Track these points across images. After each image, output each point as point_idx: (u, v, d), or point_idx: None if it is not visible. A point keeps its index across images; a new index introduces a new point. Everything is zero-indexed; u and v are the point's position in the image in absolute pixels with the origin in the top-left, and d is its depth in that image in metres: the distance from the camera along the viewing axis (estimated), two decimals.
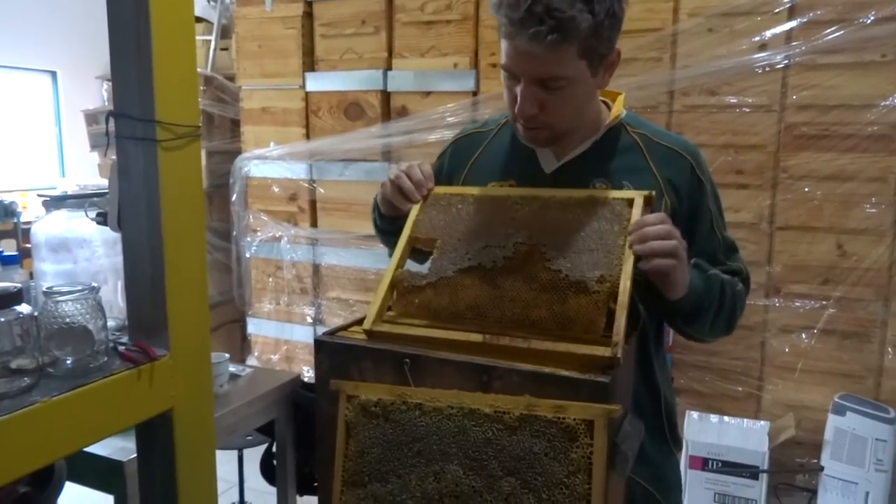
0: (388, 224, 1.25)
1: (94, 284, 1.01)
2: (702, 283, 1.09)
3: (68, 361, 0.97)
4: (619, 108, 1.19)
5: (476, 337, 0.94)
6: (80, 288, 0.99)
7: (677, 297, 1.05)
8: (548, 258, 0.99)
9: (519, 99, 1.07)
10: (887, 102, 2.43)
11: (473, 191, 1.16)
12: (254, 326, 3.65)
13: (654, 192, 1.07)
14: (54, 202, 1.50)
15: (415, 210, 1.15)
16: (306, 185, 3.39)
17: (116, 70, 1.03)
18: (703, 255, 1.16)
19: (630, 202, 1.05)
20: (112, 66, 1.03)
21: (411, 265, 1.13)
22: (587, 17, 0.98)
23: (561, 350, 0.89)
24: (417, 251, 1.14)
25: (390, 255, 1.28)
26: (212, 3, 4.27)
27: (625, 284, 0.94)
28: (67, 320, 0.97)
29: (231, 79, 3.75)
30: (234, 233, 3.63)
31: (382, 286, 1.05)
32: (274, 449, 1.93)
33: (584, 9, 0.98)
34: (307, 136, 3.36)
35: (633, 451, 0.89)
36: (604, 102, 1.21)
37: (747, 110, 2.59)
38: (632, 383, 1.06)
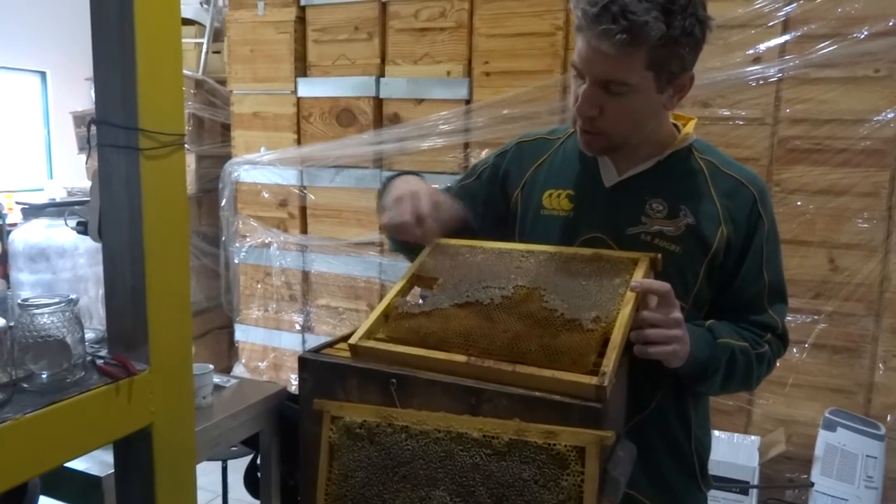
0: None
1: (72, 296, 0.98)
2: (707, 351, 1.07)
3: (44, 376, 0.94)
4: (688, 132, 1.18)
5: (460, 358, 0.92)
6: (57, 300, 0.96)
7: (675, 366, 1.04)
8: (545, 299, 0.98)
9: (580, 98, 1.06)
10: (880, 117, 2.43)
11: (483, 243, 1.16)
12: (242, 333, 3.61)
13: (660, 256, 1.06)
14: (33, 210, 1.46)
15: (423, 253, 1.16)
16: (297, 191, 3.36)
17: (99, 76, 1.00)
18: (742, 295, 1.14)
19: (634, 262, 1.04)
20: (95, 72, 1.00)
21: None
22: (661, 26, 0.97)
23: (546, 376, 0.87)
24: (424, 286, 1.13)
25: (390, 242, 1.30)
26: (204, 6, 4.23)
27: (619, 327, 0.93)
28: (43, 333, 0.94)
29: (222, 82, 3.72)
30: (223, 238, 3.60)
31: (376, 311, 1.04)
32: (258, 461, 1.89)
33: (661, 18, 0.97)
34: (298, 142, 3.34)
35: (626, 477, 0.87)
36: (675, 125, 1.20)
37: (740, 123, 2.59)
38: (624, 406, 1.03)
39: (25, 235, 1.47)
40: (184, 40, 4.21)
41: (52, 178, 5.78)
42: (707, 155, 1.18)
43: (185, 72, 3.76)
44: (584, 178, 1.19)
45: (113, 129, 0.99)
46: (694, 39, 1.02)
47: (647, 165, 1.15)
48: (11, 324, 0.93)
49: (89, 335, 1.24)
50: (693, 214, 1.11)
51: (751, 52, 2.56)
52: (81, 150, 4.34)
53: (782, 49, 2.53)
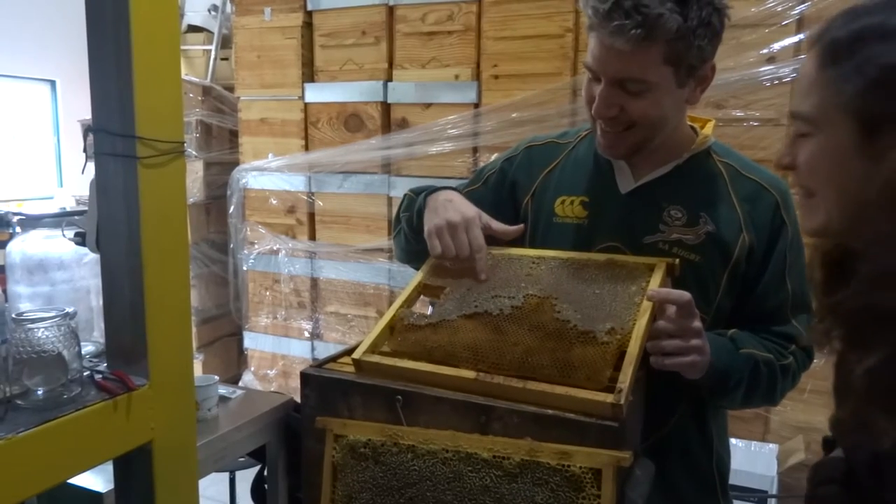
0: (416, 243, 1.17)
1: (68, 309, 0.95)
2: (729, 362, 1.02)
3: (39, 392, 0.91)
4: (706, 135, 1.13)
5: (468, 374, 0.88)
6: (52, 314, 0.93)
7: (693, 378, 0.99)
8: (557, 309, 0.94)
9: (597, 100, 1.01)
10: None
11: (491, 248, 1.12)
12: (251, 340, 3.59)
13: (677, 261, 1.02)
14: (31, 221, 1.44)
15: (429, 260, 1.11)
16: (305, 197, 3.34)
17: (96, 83, 0.98)
18: (764, 305, 1.09)
19: (651, 268, 1.00)
20: (91, 79, 0.98)
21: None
22: (677, 18, 0.93)
23: (559, 393, 0.82)
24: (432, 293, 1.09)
25: (399, 251, 1.26)
26: (212, 13, 4.23)
27: (636, 339, 0.89)
28: (38, 348, 0.91)
29: (231, 89, 3.71)
30: (232, 245, 3.58)
31: (381, 323, 1.01)
32: (266, 473, 1.86)
33: (675, 10, 0.93)
34: (306, 148, 3.32)
35: (643, 498, 0.83)
36: (692, 128, 1.15)
37: (755, 124, 2.54)
38: (641, 422, 0.99)
39: (23, 247, 1.44)
40: (192, 47, 4.22)
41: (61, 186, 5.79)
42: (726, 158, 1.13)
43: (193, 79, 3.77)
44: (598, 184, 1.14)
45: (110, 136, 0.97)
46: (712, 30, 0.98)
47: (664, 170, 1.10)
48: (7, 338, 0.90)
49: (90, 348, 1.21)
50: (713, 221, 1.06)
51: (764, 51, 2.51)
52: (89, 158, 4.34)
53: (796, 48, 2.48)
